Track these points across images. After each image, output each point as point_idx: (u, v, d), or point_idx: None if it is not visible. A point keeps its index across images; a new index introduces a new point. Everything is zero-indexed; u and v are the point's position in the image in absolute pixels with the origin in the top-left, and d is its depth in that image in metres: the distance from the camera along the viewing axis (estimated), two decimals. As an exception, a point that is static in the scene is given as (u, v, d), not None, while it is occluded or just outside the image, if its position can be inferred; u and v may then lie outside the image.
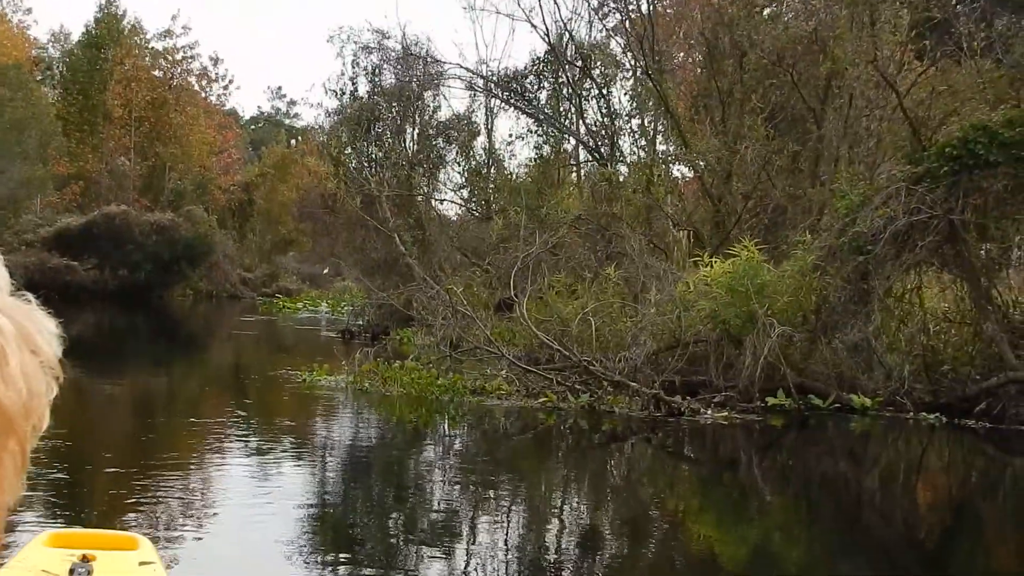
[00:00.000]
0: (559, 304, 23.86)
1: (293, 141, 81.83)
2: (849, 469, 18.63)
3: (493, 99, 39.49)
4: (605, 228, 28.05)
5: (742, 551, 12.44)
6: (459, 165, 41.52)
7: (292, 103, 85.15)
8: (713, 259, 23.55)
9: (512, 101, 38.75)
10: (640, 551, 12.34)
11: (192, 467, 15.42)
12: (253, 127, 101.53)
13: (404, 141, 40.84)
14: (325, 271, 75.71)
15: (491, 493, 14.84)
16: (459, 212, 45.70)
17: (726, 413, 20.30)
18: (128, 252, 60.41)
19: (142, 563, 3.46)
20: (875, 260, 22.40)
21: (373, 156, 40.12)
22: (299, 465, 16.22)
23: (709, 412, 20.45)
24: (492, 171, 42.62)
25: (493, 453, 18.24)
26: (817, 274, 22.36)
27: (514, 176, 40.36)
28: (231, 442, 17.79)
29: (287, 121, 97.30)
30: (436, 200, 41.23)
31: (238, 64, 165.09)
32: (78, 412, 17.92)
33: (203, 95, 73.41)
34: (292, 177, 71.00)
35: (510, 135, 42.65)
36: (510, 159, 40.76)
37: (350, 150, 40.32)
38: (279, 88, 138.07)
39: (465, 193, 42.67)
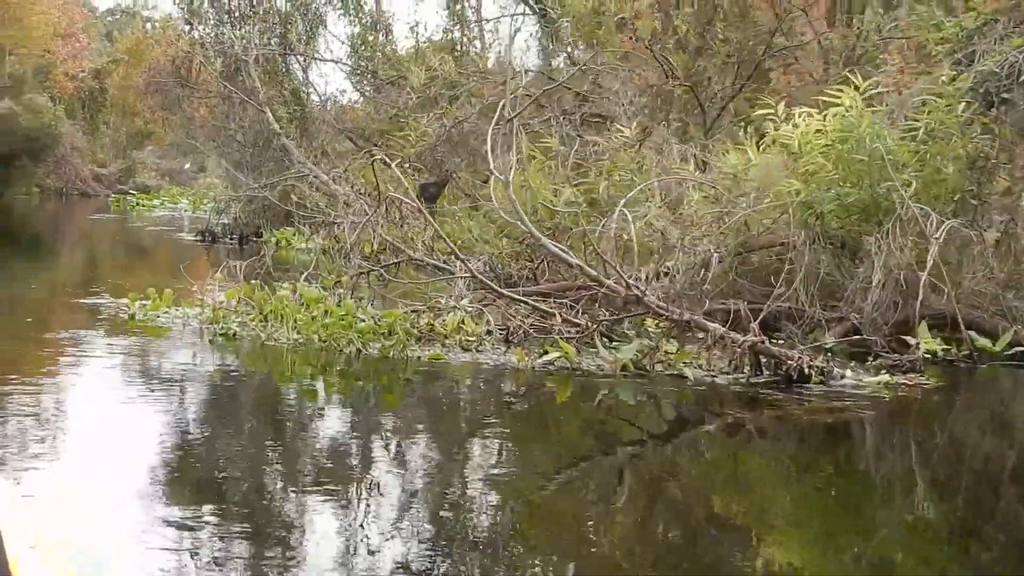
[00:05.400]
0: (544, 187, 13.28)
1: (149, 26, 69.24)
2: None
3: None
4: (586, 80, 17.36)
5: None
6: (347, 21, 30.53)
7: (151, -7, 72.68)
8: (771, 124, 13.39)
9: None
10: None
11: None
12: (109, 18, 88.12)
13: (275, -3, 29.76)
14: (187, 166, 64.16)
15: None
16: (337, 91, 34.94)
17: (887, 378, 10.34)
18: (-41, 146, 48.36)
19: None
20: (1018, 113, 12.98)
21: (235, 11, 28.92)
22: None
23: (850, 372, 10.51)
24: (381, 36, 31.68)
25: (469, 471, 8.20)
26: (973, 133, 12.49)
27: (419, 38, 29.53)
28: None
29: (145, 12, 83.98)
30: (318, 61, 30.13)
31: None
32: None
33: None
34: (148, 64, 58.66)
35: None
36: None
37: (206, 4, 29.03)
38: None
39: (348, 63, 31.58)
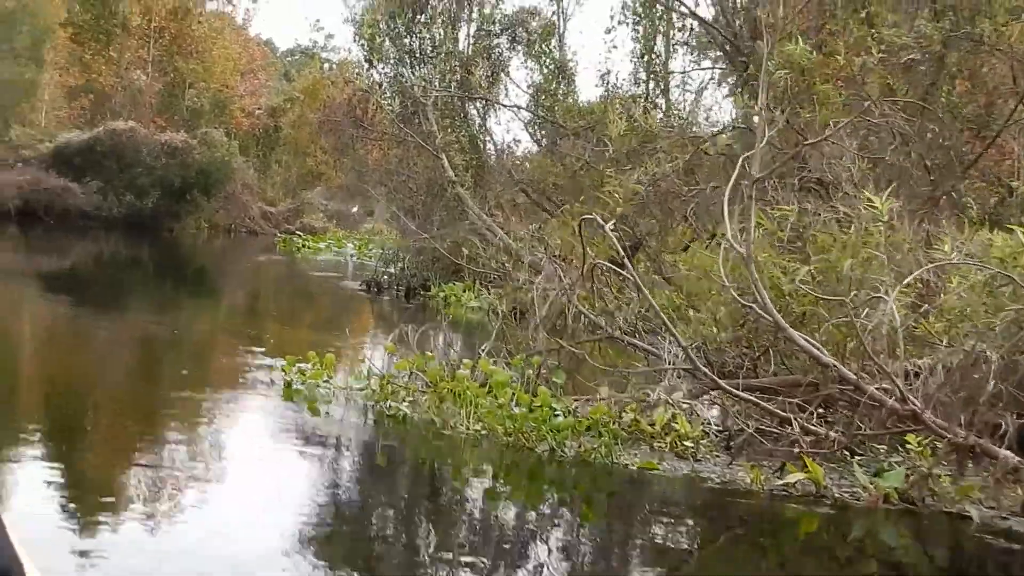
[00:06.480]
0: (771, 262, 11.03)
1: (327, 67, 69.02)
2: None
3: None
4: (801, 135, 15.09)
5: None
6: (530, 66, 28.94)
7: (330, 36, 72.60)
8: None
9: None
10: None
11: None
12: (289, 58, 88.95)
13: (456, 38, 28.34)
14: (355, 209, 63.47)
15: None
16: (512, 142, 33.27)
17: None
18: (135, 175, 48.37)
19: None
20: None
21: (417, 51, 27.53)
22: None
23: None
24: (563, 86, 29.98)
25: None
26: None
27: (609, 85, 27.63)
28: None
29: (324, 54, 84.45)
30: (496, 108, 28.52)
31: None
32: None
33: (230, 7, 60.62)
34: (323, 102, 58.21)
35: (612, 16, 29.26)
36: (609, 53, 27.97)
37: (388, 43, 27.68)
38: (317, 20, 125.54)
39: (526, 113, 29.80)
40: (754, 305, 9.29)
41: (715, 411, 11.11)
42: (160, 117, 55.50)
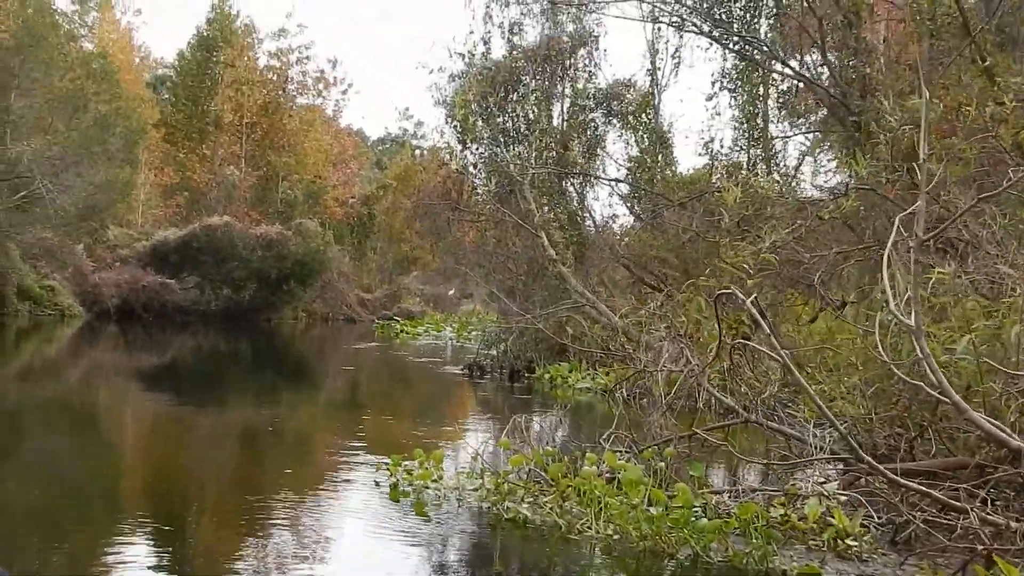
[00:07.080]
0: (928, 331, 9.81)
1: (418, 153, 69.16)
2: None
3: (685, 34, 25.68)
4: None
5: None
6: (627, 139, 28.03)
7: (419, 123, 72.83)
8: None
9: (717, 33, 24.22)
10: None
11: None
12: (380, 147, 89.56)
13: (551, 115, 27.60)
14: (451, 292, 63.07)
15: None
16: (610, 216, 32.30)
17: None
18: (231, 269, 48.47)
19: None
20: None
21: (511, 130, 26.80)
22: None
23: None
24: (661, 157, 29.04)
25: None
26: None
27: (713, 152, 26.62)
28: None
29: (414, 142, 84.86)
30: (593, 184, 27.58)
31: (365, 86, 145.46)
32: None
33: (320, 100, 60.95)
34: (417, 186, 58.16)
35: (713, 83, 28.22)
36: (711, 120, 27.09)
37: (480, 123, 27.02)
38: (406, 109, 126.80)
39: (625, 187, 28.85)
40: (923, 382, 8.09)
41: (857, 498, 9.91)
42: (255, 210, 55.72)
